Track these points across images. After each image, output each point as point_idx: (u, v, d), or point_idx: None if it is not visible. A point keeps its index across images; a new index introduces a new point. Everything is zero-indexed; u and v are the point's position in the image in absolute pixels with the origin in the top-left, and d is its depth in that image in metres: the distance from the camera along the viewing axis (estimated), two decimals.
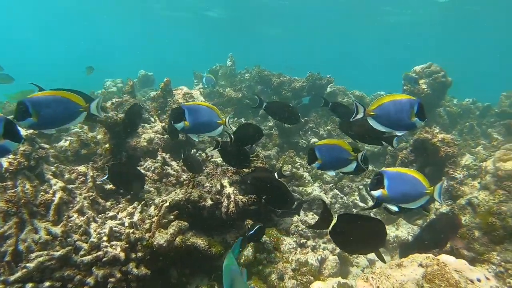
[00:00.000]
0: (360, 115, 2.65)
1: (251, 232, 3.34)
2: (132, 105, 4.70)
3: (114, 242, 2.98)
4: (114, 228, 3.09)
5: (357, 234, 2.30)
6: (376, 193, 2.38)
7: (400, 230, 4.96)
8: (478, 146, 6.45)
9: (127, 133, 4.61)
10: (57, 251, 2.68)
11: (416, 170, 2.46)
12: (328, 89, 8.67)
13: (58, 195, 3.08)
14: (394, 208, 2.46)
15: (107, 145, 4.62)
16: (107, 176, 3.44)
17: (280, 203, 3.28)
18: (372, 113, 2.61)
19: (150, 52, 55.58)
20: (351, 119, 2.72)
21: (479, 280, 2.07)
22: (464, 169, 4.92)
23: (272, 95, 8.48)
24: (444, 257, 2.29)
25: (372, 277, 2.39)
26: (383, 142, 3.06)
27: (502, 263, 3.40)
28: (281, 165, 5.96)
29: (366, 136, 3.15)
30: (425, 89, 6.97)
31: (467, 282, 2.05)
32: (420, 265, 2.28)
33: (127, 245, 3.03)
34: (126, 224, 3.30)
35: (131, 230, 3.19)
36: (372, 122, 2.65)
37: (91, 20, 38.27)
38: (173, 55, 58.31)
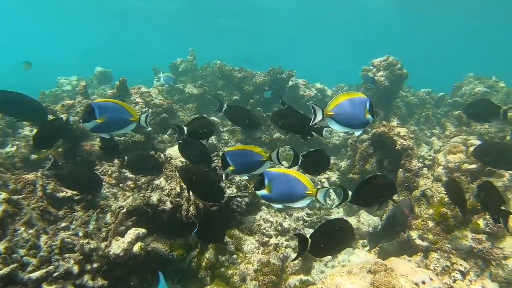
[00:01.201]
0: (319, 118, 2.65)
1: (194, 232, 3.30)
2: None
3: (66, 255, 2.83)
4: (66, 240, 2.93)
5: (332, 242, 2.41)
6: (260, 192, 2.53)
7: (361, 222, 5.05)
8: (433, 136, 6.68)
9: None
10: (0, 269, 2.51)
11: (298, 172, 2.56)
12: (290, 83, 8.67)
13: (1, 208, 2.88)
14: (278, 205, 2.61)
15: (59, 149, 4.41)
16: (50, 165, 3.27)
17: (207, 195, 3.27)
18: (330, 113, 2.60)
19: (108, 47, 53.73)
20: (311, 123, 2.72)
21: (423, 283, 2.14)
22: (420, 160, 5.08)
23: (234, 90, 8.39)
24: (392, 262, 2.33)
25: None
26: (313, 134, 3.12)
27: (453, 250, 3.55)
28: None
29: (295, 127, 3.18)
30: (383, 81, 7.12)
31: (412, 286, 2.10)
32: (369, 271, 2.32)
33: (81, 257, 2.89)
34: (80, 234, 3.15)
35: (86, 241, 3.05)
36: (331, 123, 2.65)
37: (46, 16, 36.37)
38: (133, 50, 56.59)
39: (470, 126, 5.54)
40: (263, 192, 2.52)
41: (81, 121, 2.89)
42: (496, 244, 3.44)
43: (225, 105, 3.50)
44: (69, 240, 2.96)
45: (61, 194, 3.69)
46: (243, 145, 3.01)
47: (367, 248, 4.54)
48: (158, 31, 41.73)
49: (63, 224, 3.21)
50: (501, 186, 3.59)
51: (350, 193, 2.57)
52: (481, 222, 3.49)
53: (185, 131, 3.28)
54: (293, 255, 3.90)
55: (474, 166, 3.68)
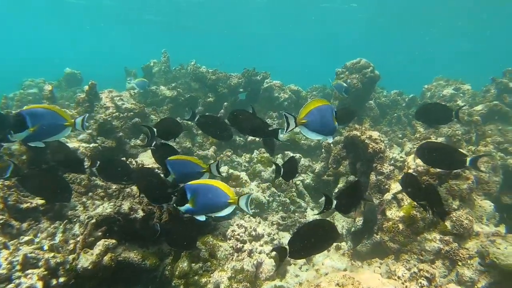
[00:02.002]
0: (292, 126, 2.65)
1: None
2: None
3: (29, 271, 2.73)
4: (29, 255, 2.82)
5: (314, 243, 2.44)
6: (183, 208, 2.54)
7: (336, 224, 5.11)
8: (404, 137, 6.83)
9: None
10: None
11: (220, 181, 2.60)
12: (265, 85, 8.68)
13: None
14: (201, 218, 2.61)
15: (24, 157, 4.24)
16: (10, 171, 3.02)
17: (155, 196, 3.24)
18: (303, 121, 2.61)
19: (77, 48, 52.37)
20: (285, 132, 2.72)
21: None
22: (392, 162, 5.17)
23: (208, 92, 8.32)
24: (361, 275, 2.36)
25: None
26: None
27: (422, 252, 3.63)
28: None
29: (250, 129, 3.18)
30: (356, 84, 7.23)
31: None
32: (337, 284, 2.34)
33: (46, 272, 2.79)
34: (46, 248, 3.04)
35: (51, 254, 2.95)
36: (304, 131, 2.67)
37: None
38: (106, 51, 55.37)
39: (438, 128, 5.69)
40: (187, 206, 2.52)
41: (11, 132, 2.65)
42: (462, 245, 3.54)
43: (197, 115, 3.45)
44: (33, 255, 2.86)
45: (24, 205, 3.53)
46: (185, 156, 2.98)
47: (341, 250, 4.59)
48: (131, 32, 41.00)
49: (26, 238, 3.09)
50: (466, 188, 3.69)
51: (334, 202, 2.62)
52: (448, 224, 3.59)
53: (155, 132, 3.27)
54: (267, 261, 3.90)
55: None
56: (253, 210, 5.07)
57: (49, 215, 3.63)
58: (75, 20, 35.83)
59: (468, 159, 3.01)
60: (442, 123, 3.73)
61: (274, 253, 4.10)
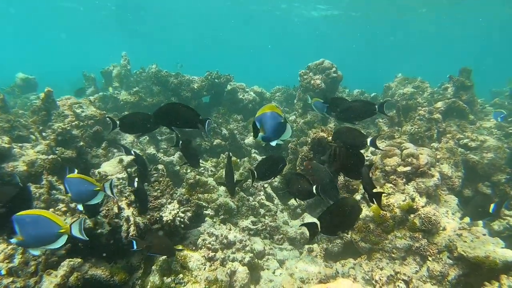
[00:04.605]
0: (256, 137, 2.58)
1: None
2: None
3: None
4: None
5: (343, 219, 2.65)
6: (12, 241, 2.35)
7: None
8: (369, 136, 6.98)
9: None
10: None
11: (48, 211, 2.47)
12: (228, 87, 8.60)
13: None
14: (35, 252, 2.49)
15: None
16: None
17: None
18: (261, 133, 2.55)
19: (33, 51, 49.91)
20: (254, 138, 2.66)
21: None
22: None
23: (171, 96, 8.12)
24: (339, 285, 2.36)
25: None
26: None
27: (393, 249, 3.70)
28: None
29: (180, 122, 3.04)
30: (319, 84, 7.31)
31: None
32: None
33: None
34: (3, 273, 2.83)
35: (10, 279, 2.74)
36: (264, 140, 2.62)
37: None
38: (63, 54, 53.06)
39: (401, 126, 5.85)
40: (15, 240, 2.33)
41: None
42: (431, 240, 3.64)
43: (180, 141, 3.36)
44: None
45: None
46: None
47: (314, 252, 4.60)
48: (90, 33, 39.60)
49: None
50: (432, 185, 3.80)
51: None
52: (417, 221, 3.68)
53: (118, 124, 3.12)
54: (241, 269, 3.82)
55: (408, 168, 3.86)
56: (222, 216, 4.99)
57: (4, 236, 3.37)
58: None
59: (368, 139, 3.17)
60: (365, 117, 3.74)
61: (246, 259, 4.05)
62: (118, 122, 3.15)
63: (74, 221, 2.43)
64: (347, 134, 3.32)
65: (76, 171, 3.25)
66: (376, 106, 3.41)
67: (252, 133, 2.58)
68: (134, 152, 4.52)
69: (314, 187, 2.98)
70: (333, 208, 2.64)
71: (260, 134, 2.49)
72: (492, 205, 3.87)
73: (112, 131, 3.30)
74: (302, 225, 2.83)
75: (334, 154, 3.11)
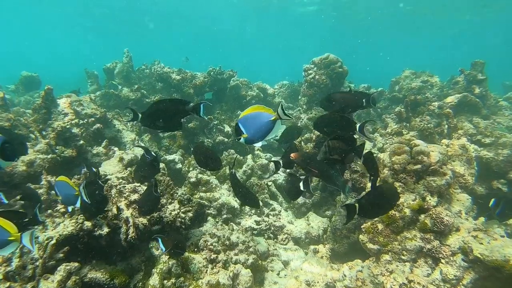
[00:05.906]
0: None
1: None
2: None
3: None
4: None
5: (381, 204, 2.71)
6: None
7: (311, 226, 4.98)
8: (375, 132, 6.80)
9: None
10: None
11: (2, 219, 2.28)
12: (232, 83, 8.46)
13: None
14: None
15: None
16: None
17: None
18: (244, 135, 2.40)
19: (35, 49, 49.94)
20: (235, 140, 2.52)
21: None
22: None
23: (173, 92, 7.99)
24: None
25: None
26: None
27: (403, 251, 3.54)
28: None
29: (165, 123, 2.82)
30: (324, 80, 7.13)
31: None
32: None
33: None
34: (0, 277, 2.72)
35: (7, 284, 2.64)
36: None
37: None
38: (65, 52, 53.13)
39: (410, 122, 5.67)
40: None
41: None
42: (444, 241, 3.48)
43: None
44: None
45: None
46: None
47: (320, 253, 4.47)
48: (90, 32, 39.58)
49: None
50: (444, 184, 3.64)
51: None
52: (428, 221, 3.51)
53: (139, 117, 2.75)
54: (244, 271, 3.68)
55: (418, 166, 3.70)
56: (225, 216, 4.86)
57: None
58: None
59: (357, 126, 3.10)
60: (352, 111, 3.56)
61: (250, 261, 3.91)
62: (140, 115, 2.83)
63: (26, 231, 2.27)
64: (333, 122, 3.23)
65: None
66: (364, 100, 3.32)
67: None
68: (152, 153, 4.12)
69: (301, 183, 3.07)
70: (372, 192, 2.74)
71: (243, 136, 2.33)
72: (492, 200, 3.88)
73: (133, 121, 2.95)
74: (342, 206, 3.07)
75: (329, 148, 3.01)
